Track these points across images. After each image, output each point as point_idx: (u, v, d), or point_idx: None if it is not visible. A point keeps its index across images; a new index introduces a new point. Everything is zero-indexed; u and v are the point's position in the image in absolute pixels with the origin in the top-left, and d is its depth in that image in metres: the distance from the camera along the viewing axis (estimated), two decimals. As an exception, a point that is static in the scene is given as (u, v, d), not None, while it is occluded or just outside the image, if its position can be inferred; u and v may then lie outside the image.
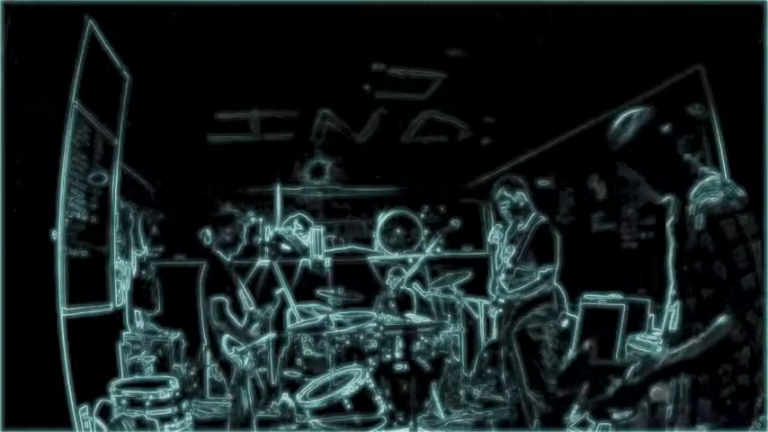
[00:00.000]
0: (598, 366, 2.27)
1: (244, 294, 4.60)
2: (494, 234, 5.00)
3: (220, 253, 4.48)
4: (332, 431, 4.34)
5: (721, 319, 2.05)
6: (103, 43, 4.22)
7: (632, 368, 2.12)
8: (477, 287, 6.41)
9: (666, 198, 2.31)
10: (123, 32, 4.19)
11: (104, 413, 3.99)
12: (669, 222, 2.33)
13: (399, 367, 5.06)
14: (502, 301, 4.80)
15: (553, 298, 4.75)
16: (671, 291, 2.39)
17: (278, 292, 5.12)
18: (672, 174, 2.24)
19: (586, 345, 2.41)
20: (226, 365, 4.42)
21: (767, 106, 3.17)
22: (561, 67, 4.88)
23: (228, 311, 4.29)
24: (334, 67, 4.97)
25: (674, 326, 2.37)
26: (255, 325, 4.47)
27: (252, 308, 4.61)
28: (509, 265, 4.76)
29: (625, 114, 2.27)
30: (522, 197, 4.71)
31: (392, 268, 6.88)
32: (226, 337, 4.29)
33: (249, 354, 4.32)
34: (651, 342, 4.02)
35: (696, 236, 2.14)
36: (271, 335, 4.49)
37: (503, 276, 4.80)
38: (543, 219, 4.68)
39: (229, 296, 4.37)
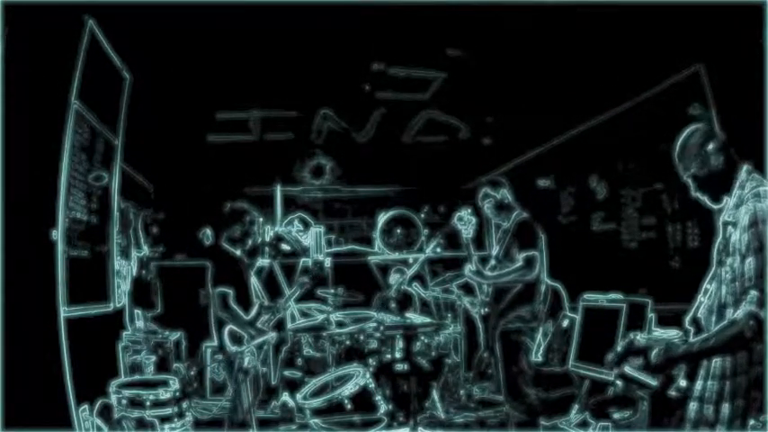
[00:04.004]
0: (623, 349, 2.36)
1: (254, 286, 4.58)
2: (462, 216, 4.68)
3: (230, 247, 4.46)
4: (332, 431, 4.34)
5: (737, 315, 2.14)
6: (103, 43, 4.22)
7: (655, 351, 2.25)
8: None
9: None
10: (123, 32, 4.19)
11: (105, 413, 4.00)
12: (721, 219, 2.41)
13: (399, 367, 5.05)
14: (486, 297, 4.78)
15: (537, 299, 4.66)
16: (707, 280, 2.45)
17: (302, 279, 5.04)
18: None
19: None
20: (228, 361, 4.40)
21: (767, 106, 3.17)
22: (562, 66, 4.88)
23: (232, 302, 4.27)
24: (334, 67, 4.97)
25: (701, 314, 2.41)
26: (265, 317, 4.45)
27: (262, 300, 4.60)
28: (493, 262, 4.76)
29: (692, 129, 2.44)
30: (505, 194, 4.68)
31: (394, 268, 6.87)
32: (228, 328, 4.27)
33: (250, 352, 4.31)
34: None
35: (740, 233, 2.22)
36: (273, 334, 4.47)
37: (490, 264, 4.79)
38: (525, 215, 4.66)
39: (235, 288, 4.33)
